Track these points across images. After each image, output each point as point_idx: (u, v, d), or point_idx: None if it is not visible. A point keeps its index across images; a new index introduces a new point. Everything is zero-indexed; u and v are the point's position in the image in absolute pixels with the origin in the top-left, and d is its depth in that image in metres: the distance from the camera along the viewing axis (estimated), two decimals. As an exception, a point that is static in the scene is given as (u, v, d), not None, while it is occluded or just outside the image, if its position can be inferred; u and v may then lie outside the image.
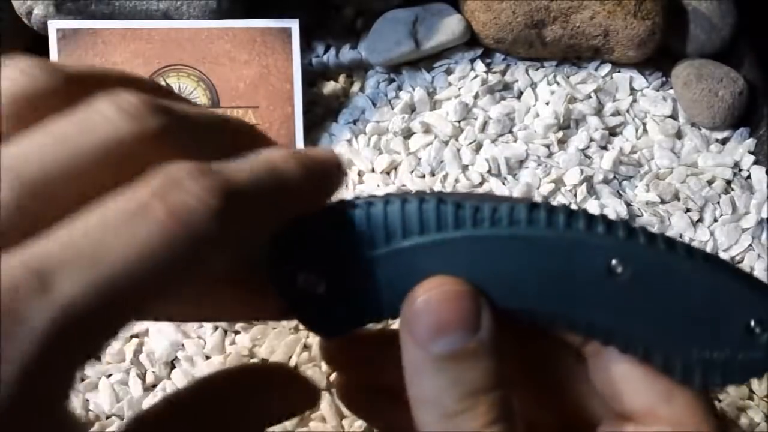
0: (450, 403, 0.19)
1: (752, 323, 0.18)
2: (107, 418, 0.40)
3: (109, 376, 0.41)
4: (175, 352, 0.42)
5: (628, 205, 0.48)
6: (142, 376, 0.41)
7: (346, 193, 0.49)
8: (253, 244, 0.17)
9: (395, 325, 0.20)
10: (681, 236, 0.47)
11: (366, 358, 0.24)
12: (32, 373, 0.13)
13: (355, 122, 0.52)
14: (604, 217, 0.19)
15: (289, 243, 0.20)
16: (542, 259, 0.19)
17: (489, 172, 0.49)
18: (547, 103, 0.52)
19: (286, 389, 0.22)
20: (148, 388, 0.41)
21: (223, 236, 0.15)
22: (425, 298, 0.19)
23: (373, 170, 0.49)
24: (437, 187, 0.48)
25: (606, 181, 0.49)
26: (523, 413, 0.23)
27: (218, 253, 0.16)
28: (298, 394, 0.23)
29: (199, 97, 0.49)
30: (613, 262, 0.18)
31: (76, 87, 0.16)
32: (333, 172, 0.20)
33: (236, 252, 0.16)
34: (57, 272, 0.13)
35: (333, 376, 0.40)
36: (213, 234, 0.15)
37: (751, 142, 0.51)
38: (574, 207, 0.19)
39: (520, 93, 0.54)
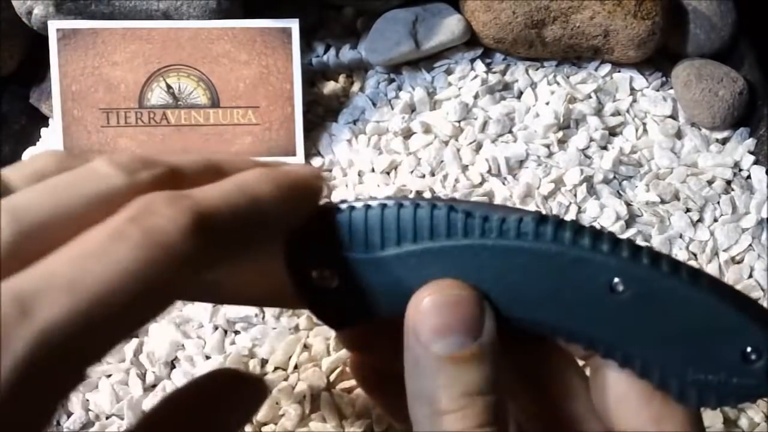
0: (444, 401, 0.19)
1: (748, 350, 0.19)
2: (107, 418, 0.40)
3: (109, 376, 0.41)
4: (175, 352, 0.42)
5: (628, 205, 0.48)
6: (142, 376, 0.41)
7: (346, 193, 0.49)
8: (240, 258, 0.18)
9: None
10: (681, 236, 0.47)
11: (381, 344, 0.25)
12: (12, 398, 0.13)
13: (355, 122, 0.52)
14: (610, 234, 0.19)
15: (304, 240, 0.21)
16: (546, 272, 0.19)
17: (489, 172, 0.49)
18: (547, 103, 0.52)
19: (242, 391, 0.23)
20: (148, 388, 0.41)
21: (202, 253, 0.16)
22: (431, 299, 0.19)
23: (373, 170, 0.49)
24: (437, 187, 0.48)
25: (606, 181, 0.49)
26: (516, 420, 0.23)
27: (202, 268, 0.17)
28: (252, 394, 0.24)
29: (199, 97, 0.49)
30: (615, 280, 0.19)
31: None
32: (310, 189, 0.21)
33: (224, 265, 0.17)
34: (36, 298, 0.14)
35: (333, 375, 0.40)
36: (188, 251, 0.16)
37: (751, 142, 0.51)
38: (586, 224, 0.20)
39: (520, 93, 0.54)
